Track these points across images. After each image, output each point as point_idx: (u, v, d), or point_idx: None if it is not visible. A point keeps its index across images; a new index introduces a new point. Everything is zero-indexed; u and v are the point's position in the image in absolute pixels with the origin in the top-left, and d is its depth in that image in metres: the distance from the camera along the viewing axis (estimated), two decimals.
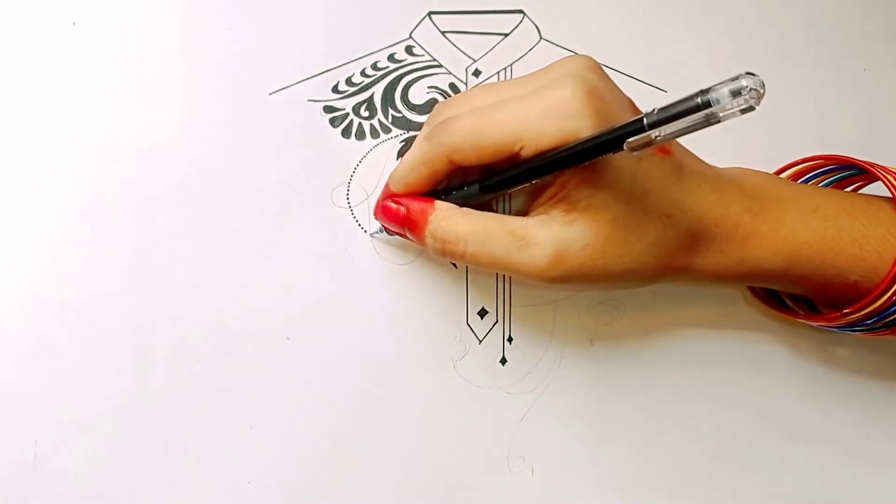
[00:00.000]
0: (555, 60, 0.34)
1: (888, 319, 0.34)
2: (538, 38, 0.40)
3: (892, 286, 0.33)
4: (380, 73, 0.40)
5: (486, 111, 0.33)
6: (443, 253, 0.35)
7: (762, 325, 0.41)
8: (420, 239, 0.36)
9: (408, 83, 0.40)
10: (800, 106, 0.41)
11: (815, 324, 0.38)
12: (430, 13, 0.40)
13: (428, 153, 0.34)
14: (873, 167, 0.36)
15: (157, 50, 0.39)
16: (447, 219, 0.35)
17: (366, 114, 0.40)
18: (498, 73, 0.40)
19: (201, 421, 0.39)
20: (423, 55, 0.40)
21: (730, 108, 0.26)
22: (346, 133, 0.40)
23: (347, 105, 0.40)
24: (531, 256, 0.33)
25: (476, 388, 0.40)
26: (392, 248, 0.40)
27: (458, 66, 0.40)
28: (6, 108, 0.39)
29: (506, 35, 0.40)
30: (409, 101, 0.40)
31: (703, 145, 0.41)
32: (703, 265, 0.35)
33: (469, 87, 0.40)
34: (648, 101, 0.41)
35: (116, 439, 0.39)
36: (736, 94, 0.26)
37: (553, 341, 0.40)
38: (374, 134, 0.40)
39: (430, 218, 0.35)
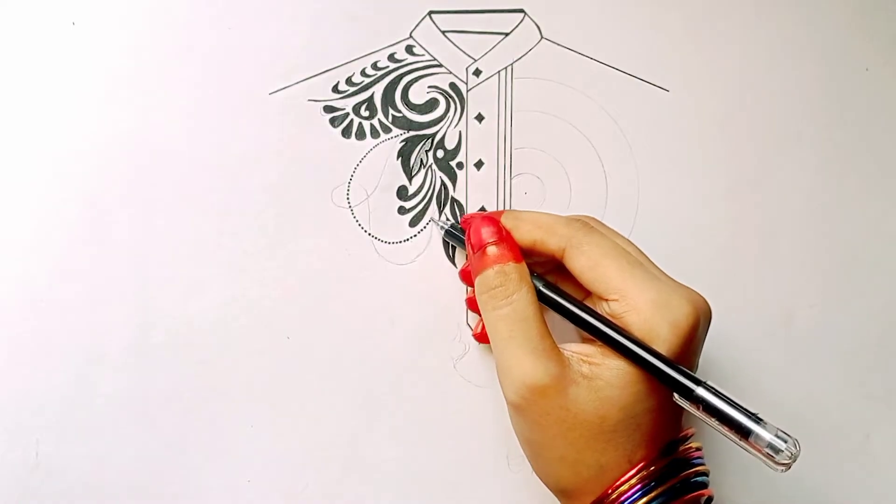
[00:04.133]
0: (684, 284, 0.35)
1: None
2: (539, 37, 0.40)
3: None
4: (380, 73, 0.40)
5: (625, 254, 0.34)
6: (487, 291, 0.35)
7: (769, 326, 0.41)
8: (484, 265, 0.35)
9: (408, 83, 0.40)
10: (800, 106, 0.41)
11: None
12: (430, 12, 0.40)
13: (559, 230, 0.35)
14: None
15: (157, 50, 0.39)
16: (521, 277, 0.34)
17: (366, 113, 0.40)
18: (498, 72, 0.40)
19: (201, 421, 0.39)
20: (423, 55, 0.40)
21: (757, 449, 0.29)
22: (346, 133, 0.40)
23: (347, 105, 0.40)
24: (531, 368, 0.33)
25: (476, 388, 0.40)
26: (392, 248, 0.40)
27: (458, 66, 0.40)
28: (6, 108, 0.39)
29: (506, 34, 0.40)
30: (409, 100, 0.40)
31: (704, 144, 0.41)
32: None
33: (469, 86, 0.40)
34: (649, 101, 0.41)
35: (116, 439, 0.39)
36: (773, 451, 0.29)
37: None
38: (375, 134, 0.40)
39: (514, 266, 0.35)
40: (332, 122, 0.40)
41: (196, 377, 0.39)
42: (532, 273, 0.35)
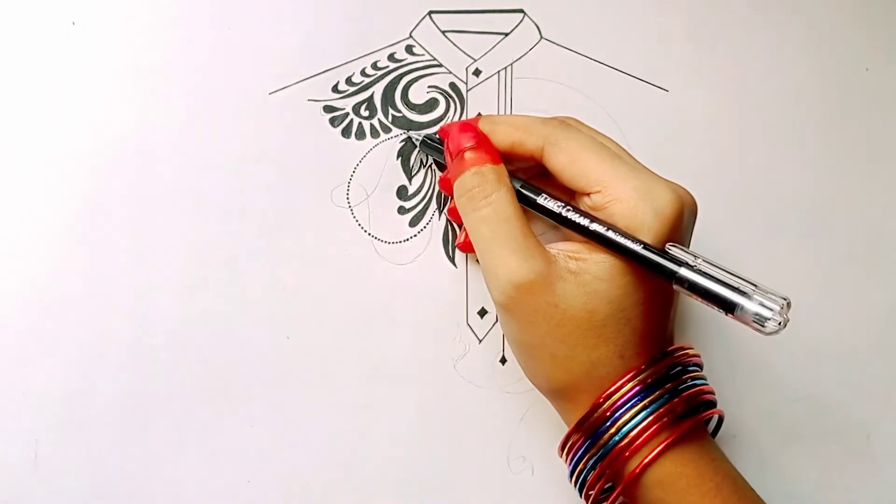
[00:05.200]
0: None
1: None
2: (539, 37, 0.40)
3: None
4: (380, 73, 0.40)
5: (603, 147, 0.34)
6: (465, 193, 0.35)
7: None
8: (462, 168, 0.35)
9: (408, 83, 0.40)
10: (800, 106, 0.41)
11: None
12: (430, 12, 0.40)
13: (536, 129, 0.35)
14: None
15: (157, 50, 0.39)
16: (499, 178, 0.34)
17: (366, 113, 0.40)
18: (498, 72, 0.40)
19: (201, 421, 0.39)
20: (423, 55, 0.40)
21: (745, 321, 0.29)
22: (346, 133, 0.40)
23: (347, 105, 0.40)
24: (516, 266, 0.33)
25: (476, 388, 0.40)
26: (392, 248, 0.40)
27: (458, 66, 0.40)
28: (6, 108, 0.39)
29: (506, 34, 0.40)
30: (409, 100, 0.40)
31: (703, 144, 0.41)
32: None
33: (469, 86, 0.40)
34: (649, 101, 0.41)
35: (116, 439, 0.39)
36: (760, 321, 0.28)
37: None
38: (374, 133, 0.40)
39: (491, 167, 0.34)
40: (332, 122, 0.40)
41: (196, 377, 0.39)
42: (512, 176, 0.35)
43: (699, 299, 0.30)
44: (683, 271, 0.30)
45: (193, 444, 0.39)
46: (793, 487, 0.41)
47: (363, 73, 0.40)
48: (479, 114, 0.39)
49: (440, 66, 0.40)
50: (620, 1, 0.41)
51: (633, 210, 0.32)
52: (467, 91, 0.40)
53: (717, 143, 0.41)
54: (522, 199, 0.35)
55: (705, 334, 0.41)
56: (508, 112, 0.40)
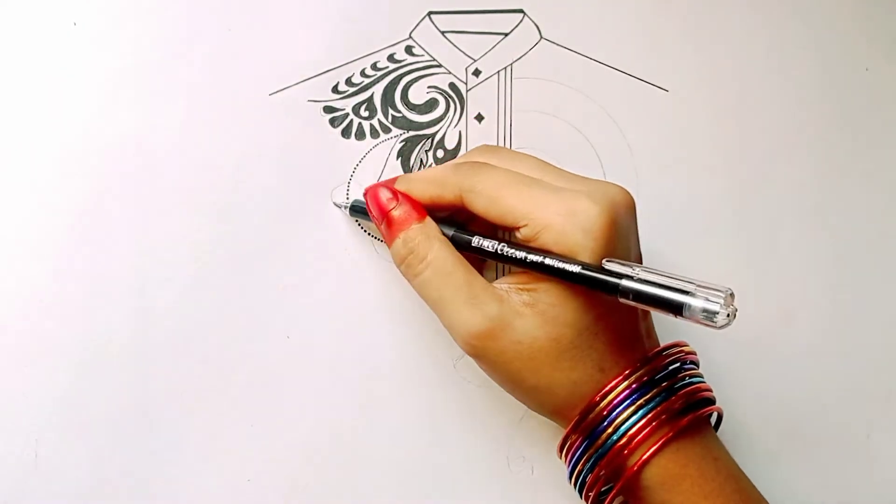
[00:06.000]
0: (598, 179, 0.35)
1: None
2: (538, 37, 0.40)
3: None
4: (380, 73, 0.40)
5: (519, 178, 0.34)
6: (402, 261, 0.35)
7: (769, 326, 0.41)
8: (391, 236, 0.35)
9: (408, 83, 0.40)
10: (800, 106, 0.41)
11: None
12: (429, 13, 0.40)
13: (449, 179, 0.35)
14: None
15: (158, 50, 0.39)
16: (429, 236, 0.35)
17: (366, 114, 0.40)
18: (498, 72, 0.40)
19: (201, 420, 0.39)
20: (422, 55, 0.40)
21: (695, 320, 0.29)
22: (346, 133, 0.40)
23: (347, 105, 0.40)
24: (470, 317, 0.33)
25: (476, 388, 0.40)
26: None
27: (457, 66, 0.40)
28: (6, 108, 0.39)
29: (506, 35, 0.40)
30: (408, 100, 0.40)
31: (703, 144, 0.41)
32: None
33: (469, 86, 0.40)
34: (649, 101, 0.41)
35: (116, 439, 0.39)
36: (709, 317, 0.28)
37: None
38: (374, 134, 0.40)
39: (414, 226, 0.35)
40: (332, 122, 0.40)
41: (196, 377, 0.39)
42: (443, 223, 0.35)
43: (647, 307, 0.30)
44: (625, 283, 0.30)
45: (193, 444, 0.39)
46: (793, 487, 0.41)
47: (363, 73, 0.40)
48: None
49: (440, 66, 0.40)
50: (620, 1, 0.41)
51: (562, 235, 0.32)
52: (467, 91, 0.40)
53: (717, 143, 0.41)
54: (458, 246, 0.35)
55: (704, 334, 0.41)
56: (508, 112, 0.40)
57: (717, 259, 0.41)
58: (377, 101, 0.40)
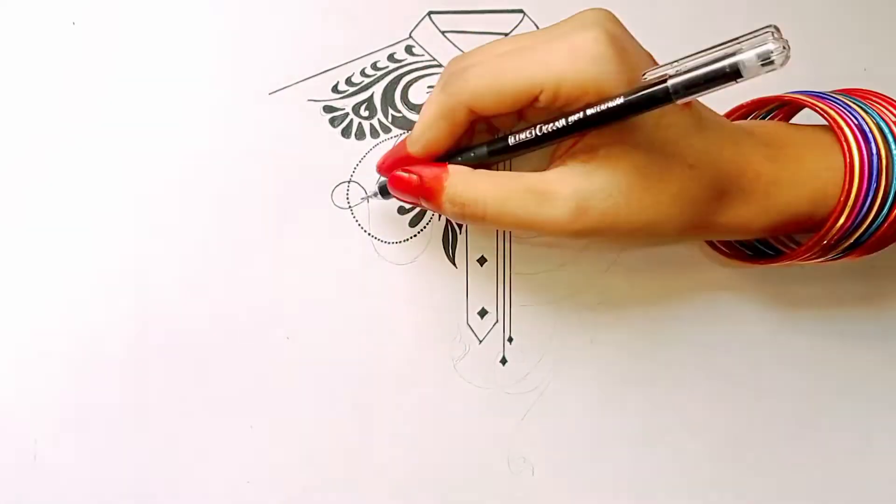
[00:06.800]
0: (566, 19, 0.33)
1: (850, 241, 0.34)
2: None
3: (846, 205, 0.32)
4: (380, 73, 0.40)
5: (504, 56, 0.32)
6: (463, 217, 0.34)
7: (770, 326, 0.41)
8: (438, 206, 0.34)
9: (408, 83, 0.40)
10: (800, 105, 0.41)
11: (792, 261, 0.36)
12: (429, 13, 0.40)
13: (446, 104, 0.33)
14: (808, 101, 0.35)
15: (157, 50, 0.39)
16: (464, 182, 0.33)
17: (366, 114, 0.40)
18: None
19: (201, 421, 0.39)
20: (422, 55, 0.40)
21: (755, 73, 0.27)
22: (346, 133, 0.40)
23: (347, 105, 0.40)
24: (553, 211, 0.32)
25: (476, 388, 0.40)
26: (392, 248, 0.40)
27: None
28: (6, 108, 0.39)
29: (506, 35, 0.40)
30: (408, 100, 0.40)
31: None
32: (728, 219, 0.34)
33: None
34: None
35: (116, 439, 0.39)
36: (765, 59, 0.26)
37: (553, 341, 0.40)
38: (374, 134, 0.40)
39: (446, 184, 0.34)
40: (332, 122, 0.40)
41: (195, 377, 0.39)
42: (474, 149, 0.34)
43: (706, 92, 0.28)
44: (672, 83, 0.28)
45: (193, 445, 0.39)
46: (793, 487, 0.41)
47: (363, 73, 0.40)
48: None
49: (440, 66, 0.40)
50: (619, 1, 0.41)
51: (579, 74, 0.30)
52: None
53: None
54: (499, 155, 0.34)
55: (704, 335, 0.41)
56: None
57: (716, 258, 0.41)
58: (377, 101, 0.40)
